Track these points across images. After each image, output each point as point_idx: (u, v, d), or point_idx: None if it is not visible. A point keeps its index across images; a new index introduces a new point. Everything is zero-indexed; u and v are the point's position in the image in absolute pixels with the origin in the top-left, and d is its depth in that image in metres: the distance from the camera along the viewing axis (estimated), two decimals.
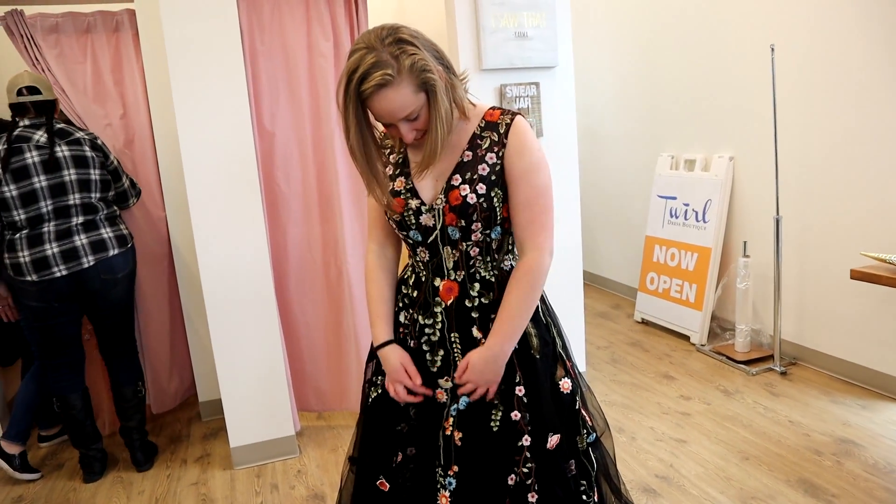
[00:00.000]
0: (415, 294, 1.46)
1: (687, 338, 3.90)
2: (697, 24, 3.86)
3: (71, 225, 2.57)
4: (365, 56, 1.21)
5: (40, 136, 2.55)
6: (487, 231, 1.37)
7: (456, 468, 1.38)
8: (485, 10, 2.91)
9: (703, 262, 3.81)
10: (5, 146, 2.50)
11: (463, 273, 1.40)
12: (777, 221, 3.29)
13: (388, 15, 4.35)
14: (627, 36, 4.52)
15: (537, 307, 1.44)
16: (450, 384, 1.41)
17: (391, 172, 1.43)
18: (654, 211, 4.23)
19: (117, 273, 2.66)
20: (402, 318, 1.49)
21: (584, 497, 1.43)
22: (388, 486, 1.47)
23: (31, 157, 2.51)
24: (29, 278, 2.52)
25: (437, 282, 1.42)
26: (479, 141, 1.36)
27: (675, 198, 4.06)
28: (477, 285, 1.40)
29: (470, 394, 1.38)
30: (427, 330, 1.43)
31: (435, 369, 1.43)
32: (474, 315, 1.40)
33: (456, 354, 1.41)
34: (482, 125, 1.38)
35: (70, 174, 2.56)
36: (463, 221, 1.34)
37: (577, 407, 1.45)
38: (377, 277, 1.51)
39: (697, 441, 2.73)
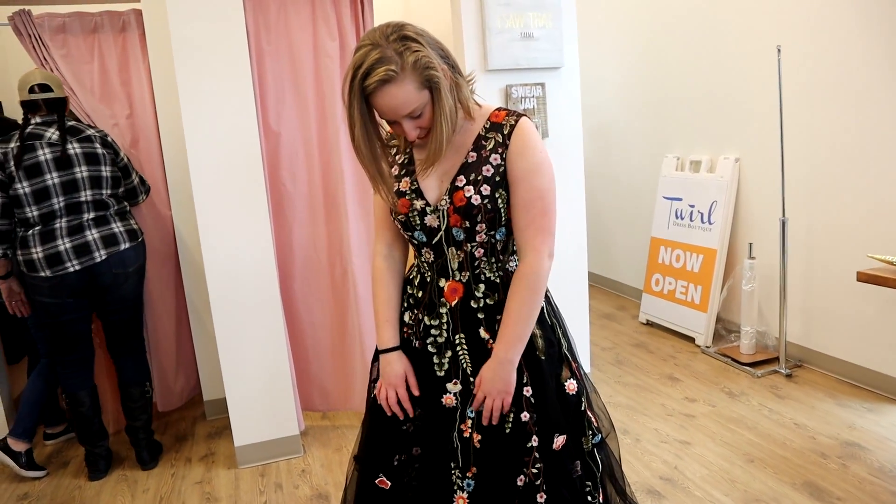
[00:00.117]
0: (420, 294, 1.46)
1: (692, 339, 3.89)
2: (703, 25, 3.85)
3: (82, 220, 2.60)
4: (369, 52, 1.21)
5: (52, 133, 2.57)
6: (492, 232, 1.37)
7: (475, 469, 1.38)
8: (490, 10, 2.91)
9: (709, 263, 3.80)
10: (18, 144, 2.52)
11: (468, 274, 1.40)
12: (783, 223, 3.28)
13: (394, 15, 4.36)
14: (633, 37, 4.51)
15: (542, 308, 1.44)
16: (459, 387, 1.41)
17: (397, 173, 1.44)
18: (659, 212, 4.23)
19: (128, 267, 2.69)
20: (406, 318, 1.49)
21: (590, 498, 1.43)
22: (388, 484, 1.47)
23: (44, 154, 2.53)
24: (42, 274, 2.54)
25: (442, 282, 1.42)
26: (483, 142, 1.36)
27: (680, 199, 4.05)
28: (482, 286, 1.40)
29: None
30: (433, 331, 1.43)
31: (442, 373, 1.42)
32: (480, 316, 1.40)
33: (462, 356, 1.40)
34: (487, 126, 1.38)
35: (82, 171, 2.58)
36: (467, 223, 1.34)
37: (582, 408, 1.45)
38: (385, 280, 1.51)
39: (702, 443, 2.73)
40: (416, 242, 1.43)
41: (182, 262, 3.19)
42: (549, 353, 1.42)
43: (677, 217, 4.07)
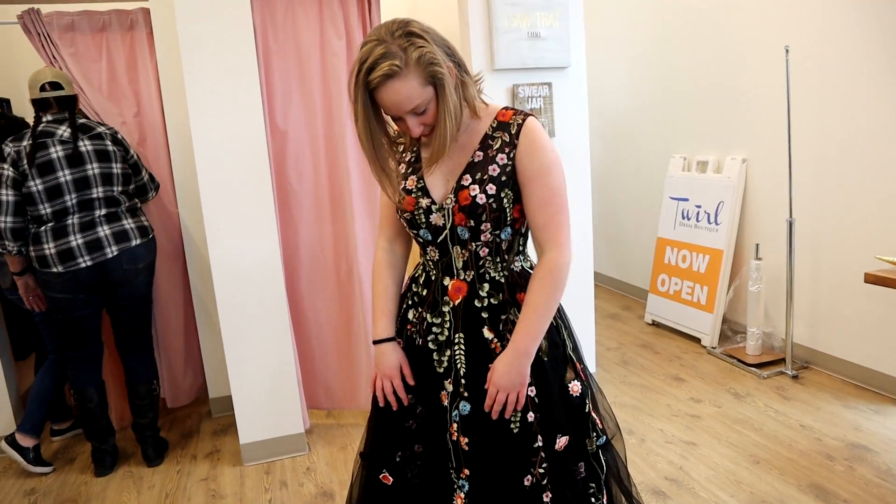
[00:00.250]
0: (424, 293, 1.46)
1: (698, 340, 3.88)
2: (711, 25, 3.84)
3: (94, 217, 2.62)
4: (374, 48, 1.23)
5: (64, 130, 2.59)
6: (497, 232, 1.37)
7: (467, 471, 1.38)
8: (498, 10, 2.91)
9: (715, 264, 3.79)
10: (31, 142, 2.53)
11: (472, 273, 1.40)
12: (790, 224, 3.27)
13: (401, 14, 4.34)
14: (640, 37, 4.50)
15: None
16: (451, 388, 1.41)
17: (404, 171, 1.44)
18: (665, 212, 4.22)
19: (139, 263, 2.70)
20: (410, 316, 1.49)
21: (594, 499, 1.43)
22: (391, 479, 1.47)
23: (56, 151, 2.55)
24: (54, 269, 2.56)
25: (447, 281, 1.42)
26: (490, 141, 1.37)
27: (687, 199, 4.04)
28: (486, 286, 1.40)
29: (470, 399, 1.37)
30: (435, 329, 1.43)
31: (441, 370, 1.42)
32: (484, 315, 1.40)
33: (458, 356, 1.40)
34: (494, 125, 1.38)
35: (93, 168, 2.60)
36: (472, 221, 1.34)
37: (586, 410, 1.44)
38: (384, 274, 1.53)
39: (707, 444, 2.72)
40: (421, 241, 1.43)
41: (189, 260, 3.21)
42: (552, 354, 1.41)
43: (684, 217, 4.05)
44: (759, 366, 3.42)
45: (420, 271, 1.50)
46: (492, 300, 1.40)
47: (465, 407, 1.38)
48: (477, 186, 1.33)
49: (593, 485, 1.43)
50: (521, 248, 1.45)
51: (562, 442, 1.38)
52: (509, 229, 1.38)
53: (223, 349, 2.73)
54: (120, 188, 2.70)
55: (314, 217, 2.98)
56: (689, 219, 4.01)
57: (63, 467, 2.91)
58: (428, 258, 1.45)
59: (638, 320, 4.40)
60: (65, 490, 2.71)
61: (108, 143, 2.67)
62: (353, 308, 3.04)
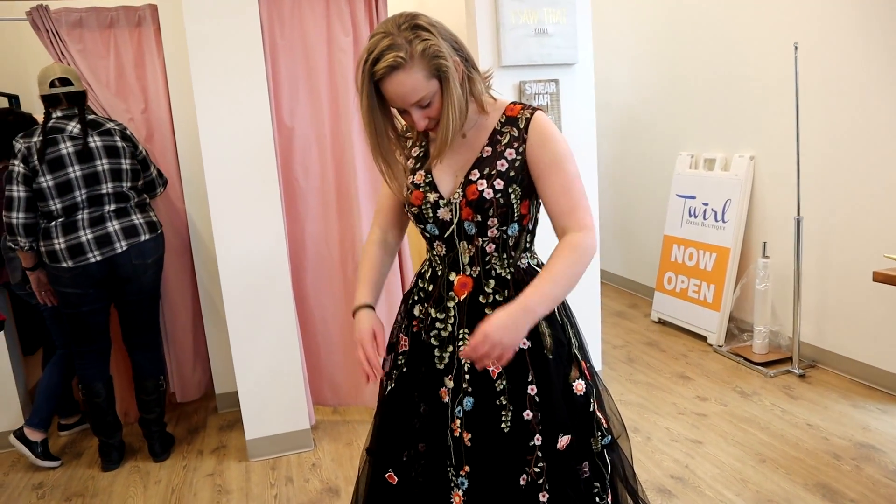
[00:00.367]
0: (430, 288, 1.46)
1: (704, 338, 3.86)
2: (719, 21, 3.81)
3: (104, 212, 2.63)
4: (381, 40, 1.24)
5: (73, 126, 2.60)
6: (504, 227, 1.36)
7: (468, 468, 1.37)
8: (505, 6, 2.90)
9: (722, 262, 3.77)
10: (41, 138, 2.54)
11: (478, 269, 1.40)
12: (798, 222, 3.25)
13: (409, 10, 4.35)
14: (648, 34, 4.48)
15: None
16: (451, 384, 1.40)
17: (412, 165, 1.45)
18: (672, 210, 4.20)
19: (148, 258, 2.72)
20: (416, 312, 1.49)
21: (598, 499, 1.42)
22: (396, 479, 1.47)
23: (66, 147, 2.57)
24: (64, 264, 2.57)
25: (453, 276, 1.42)
26: (498, 136, 1.37)
27: (694, 197, 4.03)
28: (492, 282, 1.40)
29: (474, 394, 1.36)
30: (438, 325, 1.42)
31: (442, 366, 1.42)
32: (488, 312, 1.39)
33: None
34: (502, 120, 1.38)
35: (103, 164, 2.62)
36: (479, 216, 1.34)
37: (591, 409, 1.43)
38: (373, 250, 1.55)
39: (713, 442, 2.71)
40: (428, 235, 1.43)
41: (196, 256, 3.22)
42: (557, 352, 1.41)
43: (691, 215, 4.04)
44: (766, 364, 3.41)
45: (426, 267, 1.50)
46: (497, 297, 1.40)
47: (468, 402, 1.38)
48: (485, 181, 1.33)
49: (598, 484, 1.42)
50: (527, 245, 1.44)
51: (563, 441, 1.38)
52: (516, 225, 1.38)
53: (230, 345, 2.74)
54: (129, 184, 2.71)
55: (320, 214, 2.98)
56: (696, 216, 4.00)
57: (70, 462, 2.92)
58: (434, 253, 1.45)
59: (644, 318, 4.39)
60: (72, 484, 2.73)
61: (118, 138, 2.68)
62: None
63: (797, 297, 3.32)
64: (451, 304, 1.41)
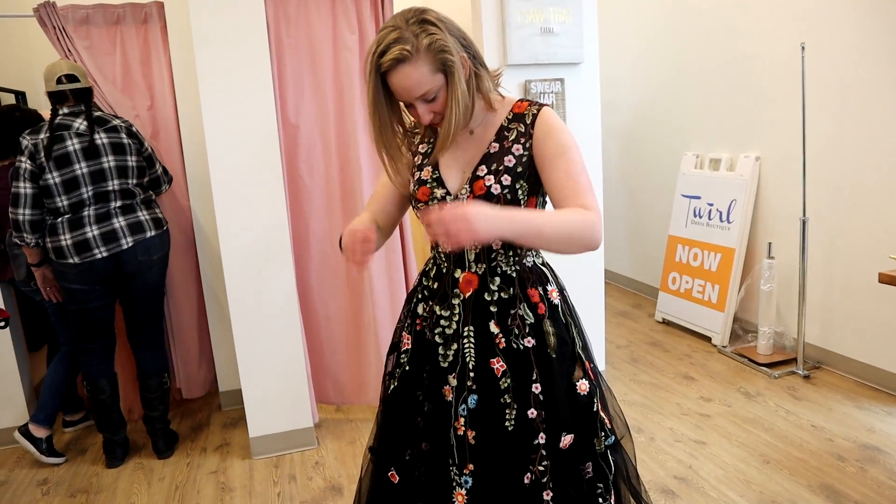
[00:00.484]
0: (435, 286, 1.46)
1: (708, 339, 3.86)
2: (726, 21, 3.80)
3: (110, 208, 2.64)
4: (389, 33, 1.25)
5: (80, 123, 2.61)
6: None
7: (472, 467, 1.37)
8: (511, 5, 2.90)
9: (727, 262, 3.76)
10: (47, 135, 2.55)
11: (484, 266, 1.40)
12: (803, 223, 3.24)
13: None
14: (654, 33, 4.47)
15: (557, 306, 1.43)
16: (455, 382, 1.40)
17: (419, 162, 1.45)
18: (677, 210, 4.19)
19: (153, 254, 2.73)
20: (420, 310, 1.49)
21: (601, 500, 1.41)
22: (397, 478, 1.47)
23: (72, 144, 2.57)
24: (71, 261, 2.58)
25: (458, 273, 1.41)
26: (506, 133, 1.37)
27: (699, 197, 4.02)
28: (497, 279, 1.40)
29: (478, 392, 1.36)
30: (443, 322, 1.42)
31: (446, 364, 1.41)
32: (493, 309, 1.39)
33: (467, 350, 1.39)
34: (510, 117, 1.39)
35: (109, 161, 2.62)
36: None
37: (594, 409, 1.42)
38: (364, 216, 1.49)
39: (717, 443, 2.71)
40: None
41: (200, 253, 3.22)
42: (560, 351, 1.40)
43: (695, 215, 4.03)
44: (771, 365, 3.40)
45: (430, 265, 1.49)
46: (502, 294, 1.39)
47: (473, 400, 1.38)
48: (492, 177, 1.34)
49: (601, 485, 1.42)
50: None
51: (567, 440, 1.37)
52: None
53: (234, 343, 2.74)
54: (135, 181, 2.72)
55: (325, 211, 2.99)
56: (701, 217, 3.99)
57: (75, 458, 2.93)
58: (440, 250, 1.45)
59: (648, 318, 4.38)
60: (76, 481, 2.74)
61: (124, 135, 2.69)
62: (362, 303, 3.04)
63: (802, 297, 3.31)
64: (456, 301, 1.41)
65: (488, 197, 1.33)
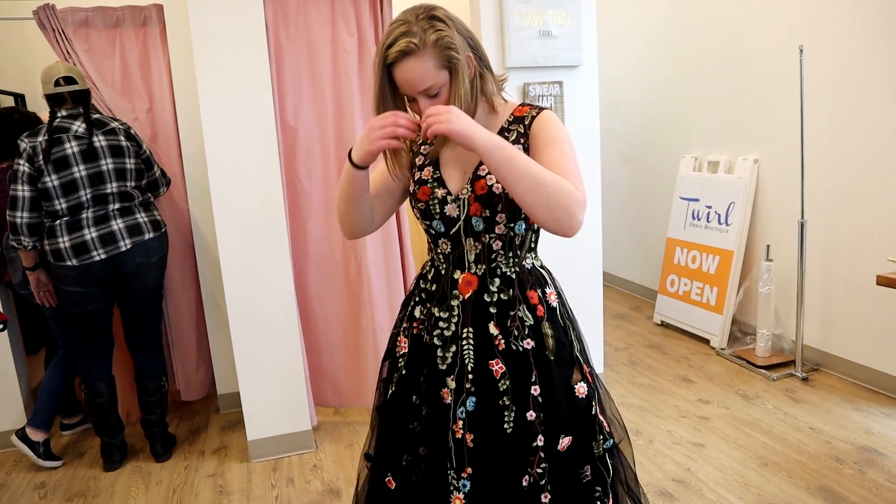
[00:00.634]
0: (433, 288, 1.45)
1: (707, 341, 3.86)
2: (724, 24, 3.81)
3: (108, 211, 2.64)
4: (398, 27, 1.27)
5: (78, 126, 2.61)
6: (511, 224, 1.37)
7: (470, 470, 1.37)
8: (510, 8, 2.91)
9: (725, 265, 3.77)
10: (46, 137, 2.55)
11: (484, 267, 1.40)
12: (802, 225, 3.24)
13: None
14: (652, 36, 4.48)
15: (556, 309, 1.43)
16: (454, 384, 1.40)
17: (420, 162, 1.45)
18: (676, 212, 4.20)
19: (151, 257, 2.72)
20: (417, 313, 1.48)
21: (598, 503, 1.41)
22: (394, 484, 1.46)
23: (71, 147, 2.57)
24: (69, 263, 2.58)
25: (457, 274, 1.41)
26: (506, 134, 1.38)
27: (697, 200, 4.02)
28: (497, 280, 1.40)
29: (476, 394, 1.37)
30: (441, 324, 1.42)
31: (444, 366, 1.40)
32: (492, 311, 1.39)
33: (466, 351, 1.39)
34: (510, 119, 1.40)
35: (107, 163, 2.62)
36: (487, 211, 1.34)
37: (593, 412, 1.42)
38: None
39: (716, 445, 2.71)
40: (433, 232, 1.43)
41: (199, 256, 3.22)
42: (559, 354, 1.40)
43: (694, 218, 4.04)
44: (769, 368, 3.40)
45: (428, 267, 1.49)
46: (502, 295, 1.39)
47: (471, 403, 1.37)
48: (493, 176, 1.34)
49: (599, 488, 1.42)
50: (532, 245, 1.45)
51: (565, 442, 1.37)
52: (523, 223, 1.38)
53: (232, 345, 2.74)
54: (133, 183, 2.72)
55: (323, 214, 2.99)
56: (699, 219, 3.99)
57: (72, 461, 2.93)
58: (439, 251, 1.44)
59: (647, 321, 4.38)
60: (74, 484, 2.73)
61: (122, 138, 2.69)
62: (361, 305, 3.04)
63: (800, 300, 3.31)
64: (455, 302, 1.41)
65: (490, 196, 1.34)
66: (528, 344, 1.38)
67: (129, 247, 2.65)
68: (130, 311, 2.81)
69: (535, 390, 1.37)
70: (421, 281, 1.50)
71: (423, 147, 1.48)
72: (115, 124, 2.71)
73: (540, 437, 1.35)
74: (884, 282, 2.22)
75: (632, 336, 4.11)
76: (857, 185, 3.12)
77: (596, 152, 3.21)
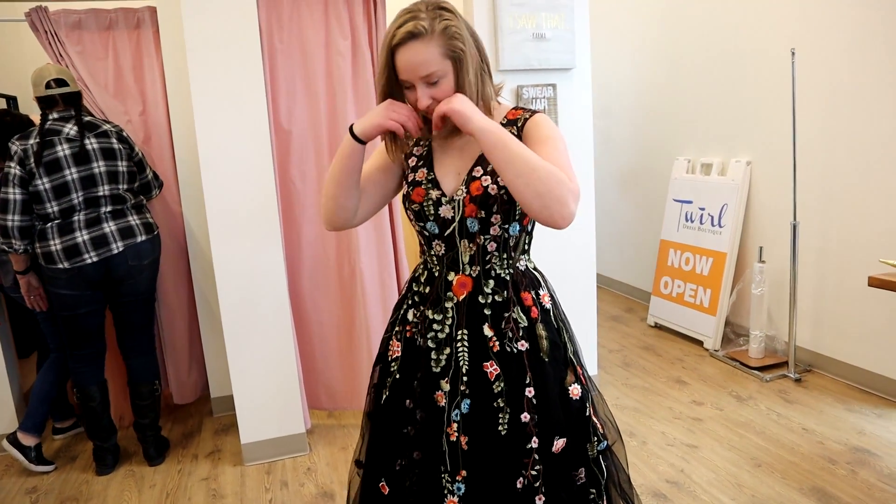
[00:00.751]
0: (427, 290, 1.45)
1: (700, 343, 3.87)
2: (717, 27, 3.83)
3: (100, 213, 2.63)
4: (405, 14, 1.29)
5: (70, 128, 2.60)
6: (506, 226, 1.37)
7: (465, 473, 1.36)
8: (503, 10, 2.91)
9: (718, 266, 3.78)
10: (37, 140, 2.54)
11: (478, 269, 1.40)
12: (794, 227, 3.26)
13: None
14: (646, 38, 4.50)
15: (549, 311, 1.43)
16: (448, 387, 1.39)
17: (414, 164, 1.45)
18: (669, 215, 4.21)
19: (144, 259, 2.71)
20: (410, 317, 1.48)
21: None
22: (388, 489, 1.45)
23: (63, 150, 2.56)
24: (60, 266, 2.56)
25: (451, 276, 1.41)
26: None
27: (690, 202, 4.04)
28: (491, 282, 1.40)
29: (471, 396, 1.37)
30: (435, 326, 1.41)
31: (438, 369, 1.40)
32: (486, 312, 1.39)
33: (461, 353, 1.39)
34: (504, 122, 1.40)
35: (99, 166, 2.61)
36: (483, 212, 1.34)
37: (587, 414, 1.43)
38: None
39: (709, 447, 2.71)
40: (427, 234, 1.43)
41: (192, 259, 3.21)
42: (553, 355, 1.40)
43: (687, 220, 4.05)
44: (762, 369, 3.42)
45: (421, 270, 1.49)
46: (496, 297, 1.39)
47: (466, 405, 1.37)
48: (489, 177, 1.34)
49: (594, 491, 1.42)
50: (526, 248, 1.45)
51: (559, 444, 1.37)
52: (517, 225, 1.38)
53: (225, 348, 2.73)
54: (125, 186, 2.71)
55: (317, 217, 2.98)
56: (692, 221, 4.01)
57: (65, 466, 2.91)
58: (432, 253, 1.44)
59: (640, 322, 4.39)
60: (66, 488, 2.72)
61: (114, 140, 2.68)
62: (355, 308, 3.03)
63: (793, 301, 3.33)
64: (449, 304, 1.40)
65: (486, 197, 1.34)
66: (523, 346, 1.38)
67: (121, 249, 2.64)
68: (122, 315, 2.79)
69: (530, 392, 1.37)
70: (414, 284, 1.50)
71: (415, 148, 1.48)
72: (106, 127, 2.70)
73: (534, 438, 1.35)
74: (876, 283, 2.23)
75: (625, 338, 4.12)
76: (849, 187, 3.14)
77: (589, 155, 3.22)
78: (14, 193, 2.52)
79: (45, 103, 2.63)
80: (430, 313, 1.43)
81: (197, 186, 3.05)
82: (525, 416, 1.35)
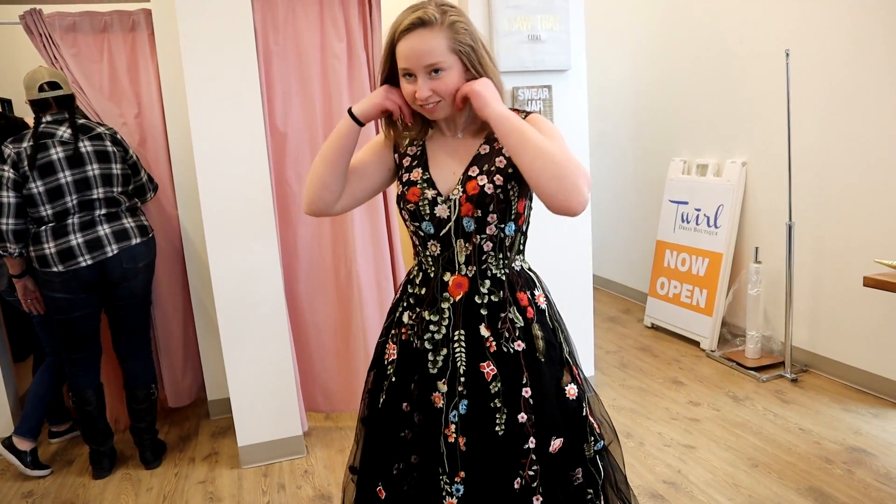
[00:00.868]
0: (423, 291, 1.45)
1: (697, 343, 3.87)
2: (712, 28, 3.84)
3: (94, 216, 2.62)
4: (414, 7, 1.31)
5: (64, 131, 2.59)
6: (502, 225, 1.37)
7: (463, 474, 1.36)
8: (498, 12, 2.92)
9: (714, 267, 3.79)
10: (31, 143, 2.53)
11: (474, 269, 1.39)
12: (789, 227, 3.27)
13: None
14: (641, 40, 4.51)
15: (545, 311, 1.43)
16: (445, 388, 1.39)
17: (409, 163, 1.45)
18: (665, 215, 4.22)
19: (139, 262, 2.70)
20: (405, 319, 1.47)
21: None
22: (384, 493, 1.45)
23: (56, 153, 2.55)
24: (55, 269, 2.55)
25: (447, 277, 1.41)
26: (495, 136, 1.38)
27: (686, 202, 4.04)
28: (487, 282, 1.40)
29: (468, 397, 1.37)
30: (432, 327, 1.41)
31: (435, 370, 1.40)
32: (483, 312, 1.39)
33: (458, 354, 1.38)
34: None
35: (93, 169, 2.60)
36: (479, 212, 1.34)
37: (583, 414, 1.43)
38: None
39: (706, 447, 2.72)
40: (422, 234, 1.42)
41: (188, 261, 3.20)
42: (549, 355, 1.40)
43: (683, 221, 4.06)
44: (759, 369, 3.42)
45: (416, 272, 1.48)
46: (492, 297, 1.39)
47: (463, 406, 1.37)
48: (485, 177, 1.35)
49: (591, 491, 1.42)
50: (521, 248, 1.45)
51: (556, 444, 1.37)
52: (513, 225, 1.39)
53: (222, 351, 2.73)
54: (120, 188, 2.70)
55: (313, 219, 2.98)
56: (688, 222, 4.01)
57: (61, 469, 2.90)
58: (427, 254, 1.43)
59: (637, 323, 4.40)
60: (63, 492, 2.71)
61: (108, 143, 2.67)
62: (351, 310, 3.03)
63: (789, 301, 3.33)
64: (445, 305, 1.40)
65: (482, 196, 1.34)
66: (519, 346, 1.38)
67: (115, 252, 2.63)
68: (118, 318, 2.79)
69: (526, 392, 1.37)
70: (409, 286, 1.49)
71: (409, 149, 1.48)
72: (100, 129, 2.69)
73: (531, 439, 1.35)
74: (871, 283, 2.24)
75: (622, 339, 4.12)
76: (844, 187, 3.15)
77: (585, 156, 3.22)
78: (7, 197, 2.51)
79: (39, 106, 2.62)
80: (426, 314, 1.42)
81: (192, 189, 3.04)
82: (522, 417, 1.35)
